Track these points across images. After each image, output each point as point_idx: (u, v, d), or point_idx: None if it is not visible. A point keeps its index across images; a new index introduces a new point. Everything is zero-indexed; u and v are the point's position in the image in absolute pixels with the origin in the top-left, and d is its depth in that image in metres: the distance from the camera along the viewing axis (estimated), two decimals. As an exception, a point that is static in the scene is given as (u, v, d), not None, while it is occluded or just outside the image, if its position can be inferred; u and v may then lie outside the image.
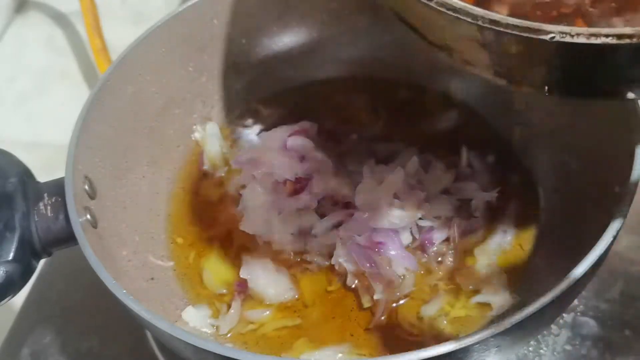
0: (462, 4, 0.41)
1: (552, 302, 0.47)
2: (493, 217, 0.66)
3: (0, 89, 1.15)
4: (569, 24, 0.40)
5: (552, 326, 0.65)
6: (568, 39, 0.38)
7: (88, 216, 0.59)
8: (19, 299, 0.72)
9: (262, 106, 0.79)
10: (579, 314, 0.66)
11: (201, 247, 0.68)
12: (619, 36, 0.37)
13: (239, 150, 0.74)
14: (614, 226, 0.50)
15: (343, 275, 0.64)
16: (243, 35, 0.77)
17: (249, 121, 0.78)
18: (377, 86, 0.79)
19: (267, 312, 0.63)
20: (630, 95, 0.42)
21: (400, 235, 0.64)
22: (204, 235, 0.69)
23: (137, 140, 0.70)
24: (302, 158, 0.66)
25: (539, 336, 0.65)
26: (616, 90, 0.43)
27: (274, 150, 0.67)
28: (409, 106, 0.77)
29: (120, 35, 0.88)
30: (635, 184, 0.51)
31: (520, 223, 0.66)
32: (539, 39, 0.39)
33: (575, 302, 0.66)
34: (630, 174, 0.53)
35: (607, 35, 0.38)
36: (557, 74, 0.42)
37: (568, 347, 0.64)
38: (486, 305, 0.61)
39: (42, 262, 0.60)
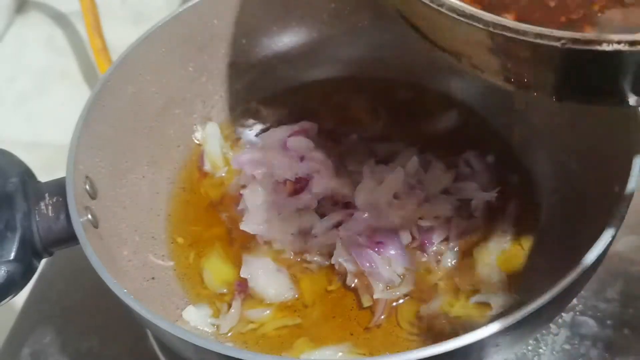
0: (473, 9, 0.41)
1: (551, 302, 0.47)
2: (493, 217, 0.66)
3: (0, 89, 1.15)
4: (577, 30, 0.40)
5: (551, 325, 0.65)
6: (579, 46, 0.38)
7: (89, 216, 0.59)
8: (20, 298, 0.72)
9: (262, 106, 0.79)
10: (578, 313, 0.66)
11: (201, 247, 0.68)
12: (632, 43, 0.37)
13: (239, 150, 0.74)
14: (613, 226, 0.50)
15: (343, 275, 0.64)
16: (243, 35, 0.77)
17: (249, 121, 0.78)
18: (377, 86, 0.79)
19: (268, 312, 0.63)
20: (637, 102, 0.42)
21: (400, 235, 0.64)
22: (205, 235, 0.69)
23: (138, 140, 0.70)
24: (302, 158, 0.66)
25: (538, 335, 0.65)
26: (625, 97, 0.42)
27: (274, 150, 0.67)
28: (409, 106, 0.77)
29: (121, 35, 0.88)
30: (631, 195, 0.51)
31: (520, 223, 0.66)
32: (550, 45, 0.39)
33: (575, 301, 0.66)
34: (629, 174, 0.53)
35: (619, 42, 0.37)
36: (567, 79, 0.42)
37: (567, 347, 0.65)
38: (485, 305, 0.61)
39: (42, 262, 0.60)
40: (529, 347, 0.65)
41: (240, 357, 0.47)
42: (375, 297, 0.62)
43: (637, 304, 0.66)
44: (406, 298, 0.62)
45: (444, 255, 0.64)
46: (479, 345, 0.46)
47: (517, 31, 0.39)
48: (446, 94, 0.76)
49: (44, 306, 0.76)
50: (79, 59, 1.19)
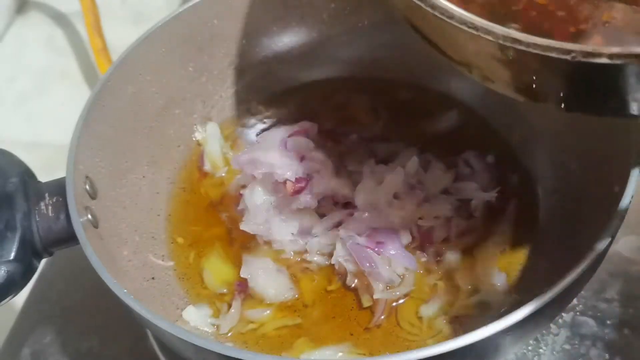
0: (484, 21, 0.41)
1: (551, 302, 0.47)
2: (493, 217, 0.66)
3: (0, 89, 1.15)
4: (587, 41, 0.40)
5: (552, 325, 0.65)
6: (589, 59, 0.38)
7: (89, 216, 0.59)
8: (20, 298, 0.72)
9: (262, 106, 0.79)
10: (578, 313, 0.66)
11: (201, 247, 0.68)
12: None
13: (239, 150, 0.74)
14: (613, 226, 0.50)
15: (343, 275, 0.64)
16: (243, 35, 0.77)
17: (249, 121, 0.78)
18: (377, 86, 0.79)
19: (268, 312, 0.63)
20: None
21: (400, 235, 0.64)
22: (205, 235, 0.69)
23: (138, 140, 0.70)
24: (302, 158, 0.66)
25: (538, 335, 0.65)
26: (636, 110, 0.42)
27: (274, 150, 0.67)
28: (409, 106, 0.77)
29: (121, 35, 0.88)
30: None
31: (520, 223, 0.66)
32: (560, 58, 0.39)
33: (575, 301, 0.66)
34: (629, 175, 0.53)
35: (629, 55, 0.37)
36: (577, 91, 0.42)
37: (567, 347, 0.65)
38: (485, 305, 0.61)
39: (42, 262, 0.60)
40: (529, 347, 0.65)
41: (240, 357, 0.47)
42: (375, 297, 0.62)
43: (637, 304, 0.66)
44: (406, 298, 0.62)
45: (444, 255, 0.64)
46: (479, 345, 0.46)
47: (527, 44, 0.39)
48: (446, 94, 0.76)
49: (44, 306, 0.76)
50: (79, 59, 1.19)
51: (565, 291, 0.48)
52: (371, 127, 0.75)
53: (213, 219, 0.70)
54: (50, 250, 0.59)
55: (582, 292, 0.66)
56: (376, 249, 0.62)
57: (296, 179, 0.65)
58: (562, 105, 0.44)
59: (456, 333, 0.60)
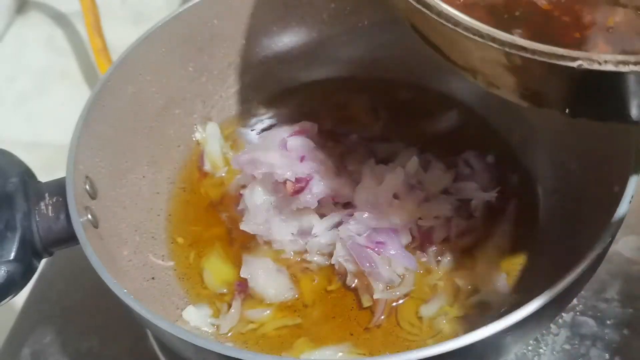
0: (489, 29, 0.41)
1: (551, 302, 0.47)
2: (492, 217, 0.66)
3: (0, 89, 1.15)
4: (592, 47, 0.40)
5: (552, 325, 0.65)
6: (596, 66, 0.38)
7: (89, 216, 0.59)
8: (20, 298, 0.72)
9: (262, 106, 0.79)
10: (578, 313, 0.66)
11: (201, 247, 0.68)
12: None
13: (239, 150, 0.74)
14: (613, 226, 0.50)
15: (343, 275, 0.64)
16: (243, 35, 0.77)
17: (249, 121, 0.78)
18: (377, 86, 0.79)
19: (268, 312, 0.63)
20: None
21: (400, 235, 0.64)
22: (205, 235, 0.69)
23: (137, 140, 0.70)
24: (302, 158, 0.66)
25: (538, 335, 0.65)
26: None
27: (274, 150, 0.67)
28: (409, 106, 0.77)
29: (121, 35, 0.88)
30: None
31: (520, 223, 0.66)
32: (566, 66, 0.39)
33: (575, 301, 0.67)
34: (629, 176, 0.53)
35: (635, 63, 0.37)
36: (582, 98, 0.42)
37: (567, 347, 0.65)
38: (485, 305, 0.61)
39: (42, 262, 0.60)
40: (529, 347, 0.65)
41: (240, 357, 0.47)
42: (375, 297, 0.62)
43: (637, 304, 0.66)
44: (406, 298, 0.62)
45: (444, 255, 0.64)
46: (479, 345, 0.46)
47: (532, 51, 0.39)
48: (446, 94, 0.76)
49: (44, 306, 0.76)
50: (79, 59, 1.19)
51: (565, 291, 0.48)
52: (371, 127, 0.75)
53: (213, 219, 0.70)
54: (50, 250, 0.59)
55: (582, 292, 0.66)
56: (376, 249, 0.62)
57: (296, 179, 0.65)
58: (567, 111, 0.44)
59: (456, 333, 0.60)
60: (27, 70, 1.18)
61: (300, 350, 0.60)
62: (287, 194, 0.65)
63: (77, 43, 1.21)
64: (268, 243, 0.66)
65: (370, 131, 0.75)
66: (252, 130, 0.77)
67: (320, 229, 0.65)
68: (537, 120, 0.70)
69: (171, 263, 0.67)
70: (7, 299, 0.56)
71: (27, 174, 0.60)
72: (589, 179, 0.62)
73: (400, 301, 0.62)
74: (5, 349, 0.73)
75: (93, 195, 0.61)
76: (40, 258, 0.59)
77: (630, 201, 0.52)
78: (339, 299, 0.64)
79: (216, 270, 0.66)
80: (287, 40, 0.79)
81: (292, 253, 0.66)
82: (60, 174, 0.59)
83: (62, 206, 0.57)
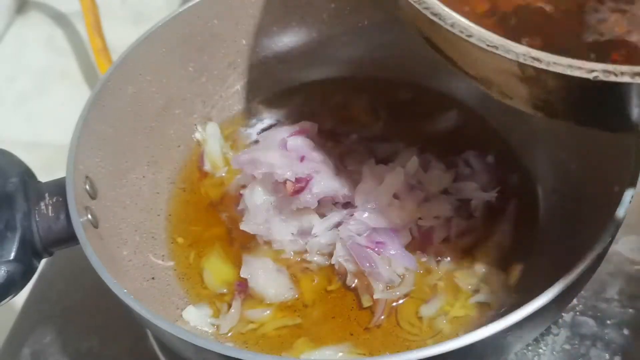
0: (503, 40, 0.40)
1: (551, 302, 0.47)
2: (492, 217, 0.66)
3: (0, 89, 1.15)
4: (606, 54, 0.40)
5: (552, 325, 0.65)
6: (612, 78, 0.38)
7: (89, 216, 0.59)
8: (20, 298, 0.72)
9: (262, 106, 0.79)
10: (578, 313, 0.66)
11: (201, 247, 0.68)
12: None
13: (239, 150, 0.74)
14: (613, 226, 0.50)
15: (343, 275, 0.64)
16: (243, 35, 0.77)
17: (249, 121, 0.78)
18: (377, 86, 0.79)
19: (268, 312, 0.63)
20: None
21: (400, 235, 0.64)
22: (205, 235, 0.69)
23: (138, 140, 0.70)
24: (302, 158, 0.66)
25: (538, 335, 0.65)
26: None
27: (274, 150, 0.67)
28: (409, 106, 0.77)
29: (121, 35, 0.88)
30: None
31: (520, 223, 0.66)
32: (582, 77, 0.38)
33: (575, 301, 0.66)
34: (629, 175, 0.53)
35: None
36: (597, 109, 0.42)
37: (567, 347, 0.65)
38: (485, 305, 0.61)
39: (42, 262, 0.60)
40: (529, 347, 0.65)
41: (240, 357, 0.47)
42: (375, 297, 0.62)
43: (637, 304, 0.66)
44: (406, 298, 0.62)
45: (444, 255, 0.64)
46: (479, 345, 0.46)
47: (547, 63, 0.39)
48: (446, 94, 0.76)
49: (44, 306, 0.76)
50: (79, 59, 1.19)
51: (565, 291, 0.48)
52: (371, 127, 0.75)
53: (213, 219, 0.70)
54: (50, 250, 0.59)
55: (582, 292, 0.66)
56: (376, 249, 0.62)
57: (296, 179, 0.65)
58: (580, 122, 0.44)
59: (456, 333, 0.60)
60: (27, 70, 1.18)
61: (300, 350, 0.60)
62: (287, 194, 0.65)
63: (77, 43, 1.21)
64: (268, 243, 0.66)
65: (370, 131, 0.75)
66: (252, 130, 0.77)
67: (320, 229, 0.65)
68: (537, 120, 0.69)
69: (171, 263, 0.67)
70: (7, 299, 0.56)
71: (27, 174, 0.60)
72: (589, 179, 0.62)
73: (400, 301, 0.62)
74: (5, 349, 0.73)
75: (93, 195, 0.61)
76: (40, 258, 0.59)
77: (630, 201, 0.52)
78: (339, 299, 0.64)
79: (216, 270, 0.66)
80: (287, 40, 0.79)
81: (292, 253, 0.66)
82: (60, 174, 0.59)
83: (62, 206, 0.57)
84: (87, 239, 0.55)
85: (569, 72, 0.39)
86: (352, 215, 0.64)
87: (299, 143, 0.68)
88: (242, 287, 0.64)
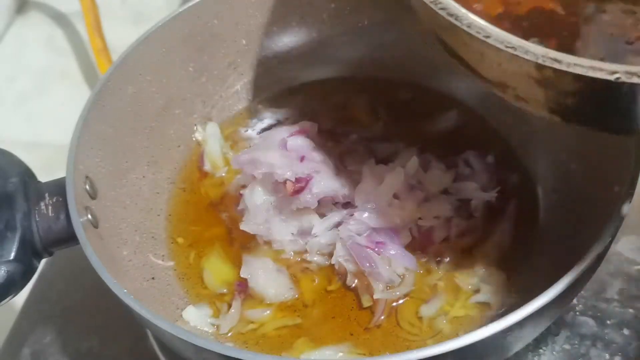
0: (521, 40, 0.40)
1: (551, 302, 0.47)
2: (493, 217, 0.66)
3: (0, 89, 1.15)
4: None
5: (552, 325, 0.65)
6: (635, 80, 0.37)
7: (89, 216, 0.59)
8: (20, 298, 0.72)
9: (262, 106, 0.79)
10: (578, 313, 0.66)
11: (201, 247, 0.68)
12: None
13: (239, 150, 0.74)
14: (613, 226, 0.51)
15: (343, 275, 0.64)
16: (243, 35, 0.77)
17: (249, 121, 0.78)
18: (377, 86, 0.79)
19: (268, 312, 0.63)
20: None
21: (400, 235, 0.64)
22: (205, 235, 0.69)
23: (138, 140, 0.70)
24: (302, 158, 0.66)
25: (538, 335, 0.65)
26: None
27: (274, 150, 0.67)
28: (409, 106, 0.77)
29: (121, 35, 0.88)
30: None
31: (520, 223, 0.66)
32: (603, 79, 0.37)
33: (575, 301, 0.66)
34: (629, 174, 0.53)
35: None
36: (617, 113, 0.41)
37: (567, 347, 0.65)
38: (485, 305, 0.61)
39: (42, 262, 0.60)
40: (529, 347, 0.65)
41: (240, 357, 0.47)
42: (375, 297, 0.62)
43: (637, 304, 0.66)
44: (406, 298, 0.62)
45: (444, 255, 0.64)
46: (479, 345, 0.46)
47: (567, 64, 0.38)
48: (446, 94, 0.77)
49: (44, 306, 0.76)
50: (79, 59, 1.19)
51: (565, 291, 0.48)
52: (371, 127, 0.75)
53: (213, 219, 0.70)
54: (50, 250, 0.59)
55: (582, 292, 0.66)
56: (376, 249, 0.62)
57: (296, 179, 0.65)
58: (596, 126, 0.43)
59: (456, 333, 0.60)
60: (27, 70, 1.18)
61: (300, 350, 0.60)
62: (287, 194, 0.65)
63: (77, 43, 1.21)
64: (268, 243, 0.66)
65: (370, 131, 0.75)
66: (252, 130, 0.77)
67: (320, 229, 0.65)
68: (537, 120, 0.70)
69: (171, 263, 0.67)
70: (7, 299, 0.56)
71: (27, 174, 0.60)
72: (589, 179, 0.62)
73: (400, 301, 0.62)
74: (5, 349, 0.73)
75: (93, 195, 0.61)
76: (40, 258, 0.59)
77: (630, 201, 0.52)
78: (339, 299, 0.64)
79: (216, 270, 0.66)
80: (287, 40, 0.79)
81: (292, 253, 0.66)
82: (60, 174, 0.59)
83: (62, 206, 0.57)
84: (87, 239, 0.55)
85: (590, 73, 0.38)
86: (352, 215, 0.64)
87: (299, 143, 0.68)
88: (242, 287, 0.64)
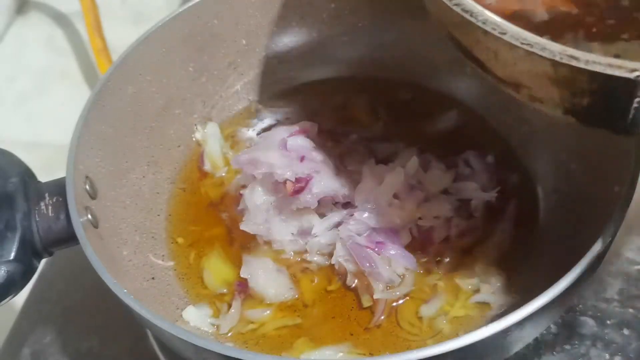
0: (537, 37, 0.39)
1: (551, 302, 0.47)
2: (493, 217, 0.66)
3: (0, 89, 1.15)
4: None
5: (551, 325, 0.65)
6: None
7: (89, 216, 0.59)
8: (20, 298, 0.72)
9: (262, 106, 0.79)
10: (578, 313, 0.66)
11: (201, 247, 0.68)
12: None
13: (239, 150, 0.74)
14: (613, 226, 0.50)
15: (343, 275, 0.64)
16: (243, 35, 0.77)
17: (249, 121, 0.78)
18: (377, 86, 0.79)
19: (268, 312, 0.63)
20: None
21: (400, 235, 0.64)
22: (205, 235, 0.69)
23: (138, 140, 0.70)
24: (302, 158, 0.66)
25: (538, 335, 0.65)
26: None
27: (274, 150, 0.67)
28: (409, 106, 0.77)
29: (121, 35, 0.88)
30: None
31: (520, 223, 0.66)
32: (621, 77, 0.36)
33: (575, 301, 0.66)
34: (629, 174, 0.53)
35: None
36: (634, 112, 0.39)
37: (567, 347, 0.64)
38: (485, 305, 0.61)
39: (42, 262, 0.60)
40: (529, 347, 0.65)
41: (240, 357, 0.47)
42: (375, 297, 0.62)
43: (637, 304, 0.66)
44: (406, 298, 0.62)
45: (444, 255, 0.64)
46: (479, 345, 0.46)
47: (585, 61, 0.37)
48: (446, 94, 0.76)
49: (44, 306, 0.76)
50: (79, 59, 1.19)
51: (565, 291, 0.48)
52: (371, 127, 0.75)
53: (213, 219, 0.70)
54: (50, 250, 0.59)
55: (582, 292, 0.66)
56: (376, 249, 0.62)
57: (296, 179, 0.65)
58: (616, 129, 0.41)
59: (456, 333, 0.60)
60: (27, 70, 1.18)
61: (300, 350, 0.60)
62: (287, 194, 0.65)
63: (77, 43, 1.21)
64: (268, 243, 0.66)
65: (370, 131, 0.75)
66: (252, 130, 0.77)
67: (320, 229, 0.65)
68: (537, 120, 0.70)
69: (171, 263, 0.67)
70: (7, 299, 0.56)
71: (27, 174, 0.60)
72: (589, 179, 0.62)
73: (400, 301, 0.62)
74: (5, 349, 0.73)
75: (93, 195, 0.61)
76: (40, 258, 0.59)
77: (630, 201, 0.52)
78: (339, 299, 0.64)
79: (216, 270, 0.66)
80: (287, 40, 0.79)
81: (292, 253, 0.66)
82: (60, 174, 0.59)
83: (62, 206, 0.57)
84: (87, 239, 0.55)
85: (608, 71, 0.37)
86: (352, 215, 0.64)
87: (299, 143, 0.68)
88: (242, 287, 0.64)
